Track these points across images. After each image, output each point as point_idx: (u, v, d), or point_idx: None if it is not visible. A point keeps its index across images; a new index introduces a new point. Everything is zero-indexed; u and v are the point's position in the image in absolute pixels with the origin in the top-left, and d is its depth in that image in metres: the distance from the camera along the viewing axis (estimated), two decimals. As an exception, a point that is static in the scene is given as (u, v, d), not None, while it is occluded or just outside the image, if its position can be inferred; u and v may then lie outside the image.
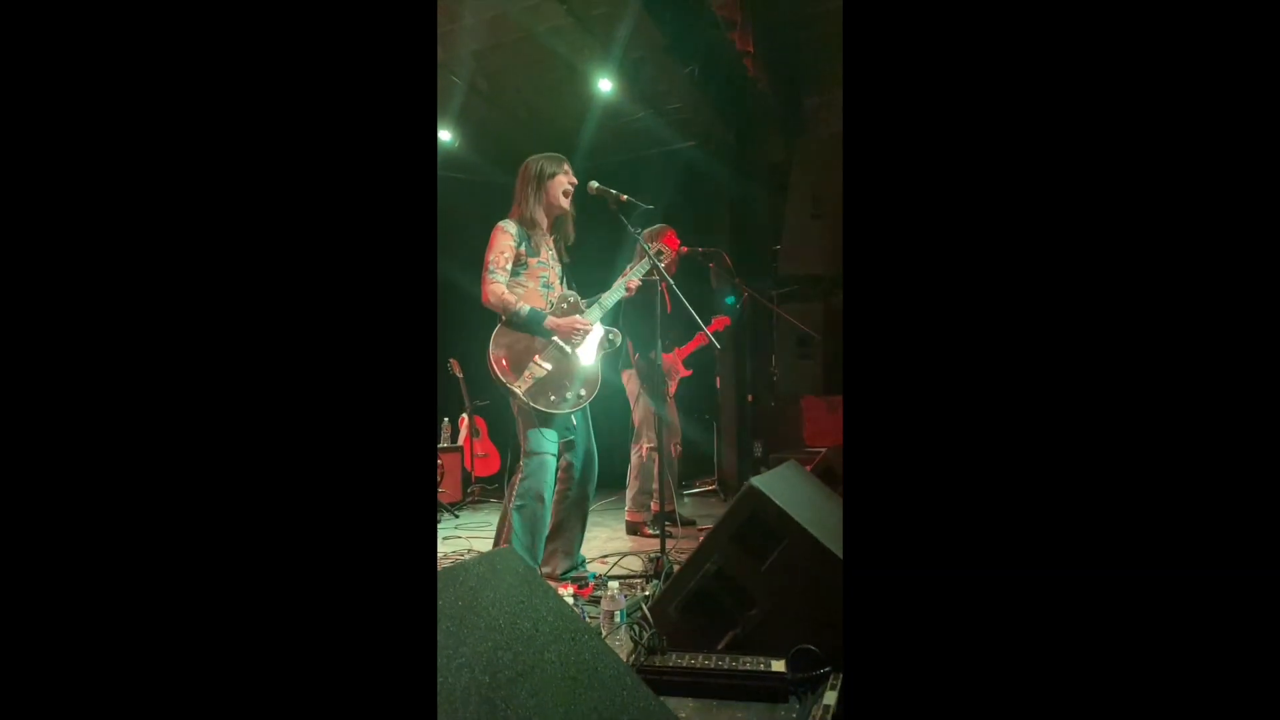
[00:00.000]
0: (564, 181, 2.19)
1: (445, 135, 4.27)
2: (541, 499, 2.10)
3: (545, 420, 2.11)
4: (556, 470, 2.19)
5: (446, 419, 4.41)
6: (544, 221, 2.19)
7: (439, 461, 3.85)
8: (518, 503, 2.10)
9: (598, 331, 2.22)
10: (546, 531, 2.18)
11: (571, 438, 2.21)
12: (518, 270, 2.14)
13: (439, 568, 0.71)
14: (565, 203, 2.19)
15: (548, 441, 2.12)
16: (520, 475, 2.12)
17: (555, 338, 2.12)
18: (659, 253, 2.33)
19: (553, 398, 2.09)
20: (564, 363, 2.13)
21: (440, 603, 0.59)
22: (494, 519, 2.55)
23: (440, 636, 0.56)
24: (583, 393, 2.14)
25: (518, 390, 2.04)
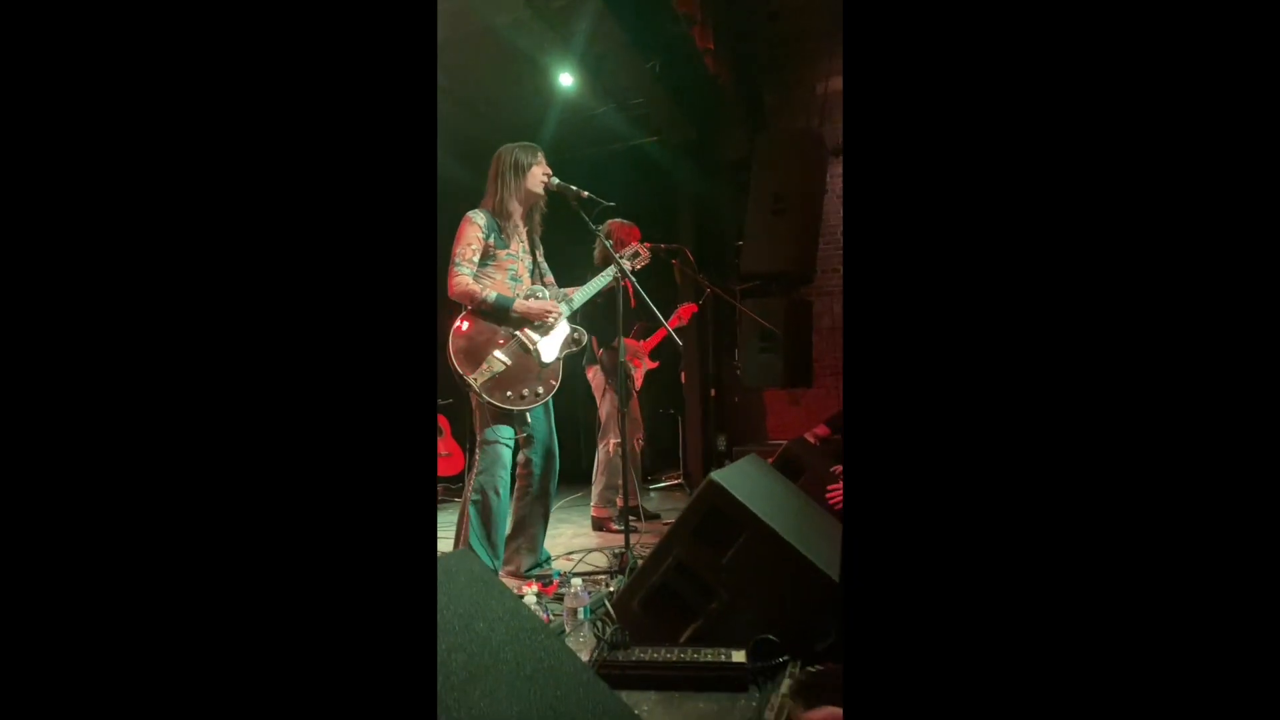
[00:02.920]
0: (539, 173, 2.17)
1: (403, 128, 4.18)
2: (497, 492, 2.09)
3: (501, 415, 2.10)
4: (514, 465, 2.18)
5: (408, 418, 4.34)
6: (518, 212, 2.17)
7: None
8: (473, 496, 2.09)
9: (563, 329, 2.21)
10: (505, 525, 2.17)
11: (529, 433, 2.20)
12: (485, 262, 2.12)
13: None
14: (541, 191, 2.18)
15: (503, 436, 2.11)
16: (476, 469, 2.11)
17: (525, 327, 2.10)
18: (635, 254, 2.33)
19: (509, 394, 2.07)
20: (523, 359, 2.11)
21: (391, 607, 0.59)
22: (456, 518, 2.53)
23: (391, 641, 0.56)
24: (540, 390, 2.13)
25: (472, 383, 2.02)
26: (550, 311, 2.13)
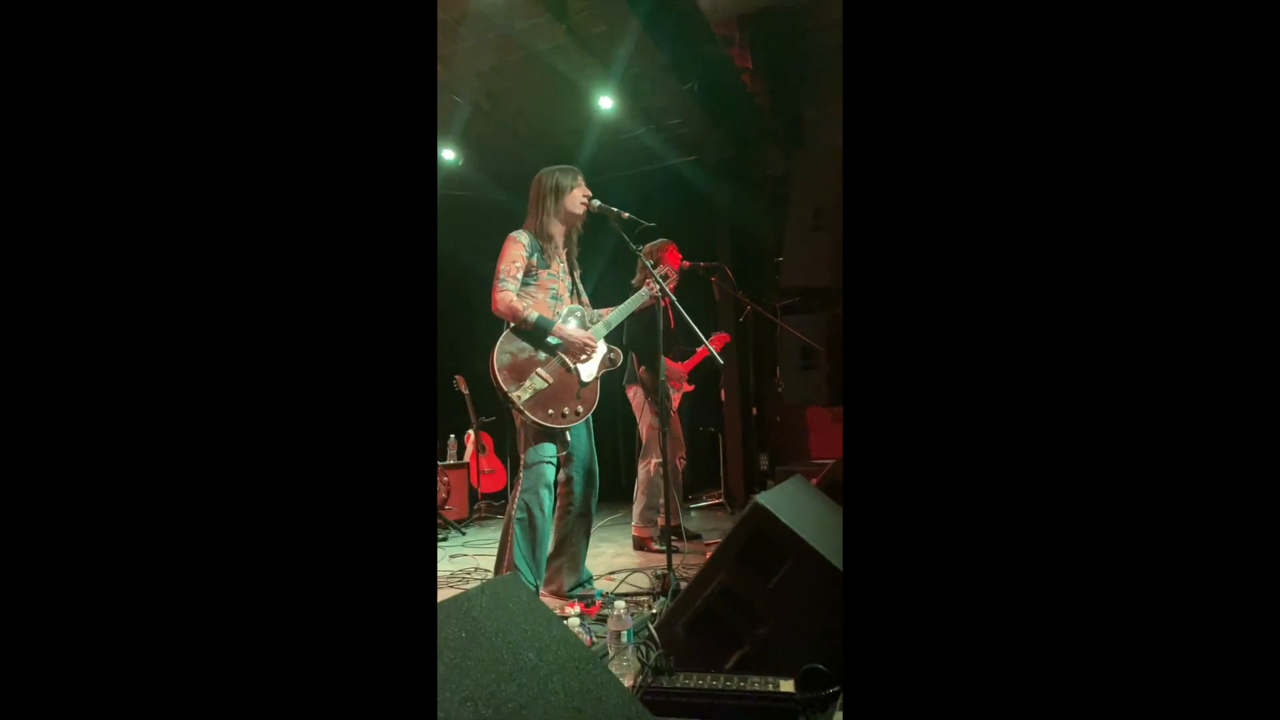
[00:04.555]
0: (579, 195, 2.21)
1: (449, 154, 4.32)
2: (542, 509, 2.11)
3: (544, 433, 2.12)
4: (556, 483, 2.19)
5: (453, 435, 4.42)
6: (559, 234, 2.21)
7: (445, 479, 3.85)
8: (518, 514, 2.11)
9: (600, 350, 2.23)
10: (548, 542, 2.18)
11: (570, 451, 2.22)
12: (528, 281, 2.16)
13: (444, 590, 0.71)
14: (581, 212, 2.22)
15: (546, 454, 2.13)
16: (520, 487, 2.13)
17: (560, 353, 2.14)
18: (665, 275, 2.35)
19: (550, 411, 2.10)
20: (564, 377, 2.14)
21: (442, 635, 0.59)
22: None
23: (442, 670, 0.56)
24: (580, 409, 2.16)
25: (516, 400, 2.06)
26: (588, 346, 2.15)
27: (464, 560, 3.03)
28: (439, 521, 3.72)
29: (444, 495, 3.83)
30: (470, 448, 4.32)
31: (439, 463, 3.86)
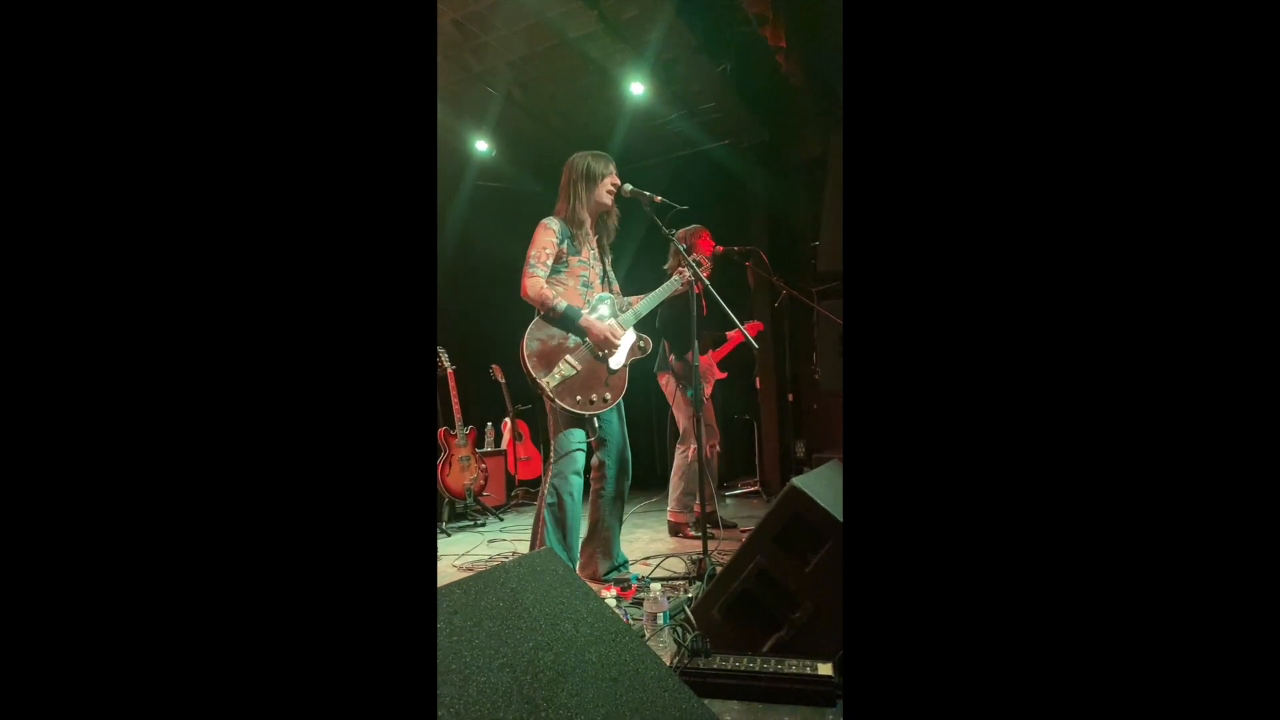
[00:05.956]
0: (609, 182, 2.20)
1: (482, 145, 4.36)
2: (571, 495, 2.13)
3: (574, 419, 2.14)
4: (589, 468, 2.21)
5: (490, 423, 4.50)
6: (588, 220, 2.21)
7: (483, 465, 3.92)
8: (549, 499, 2.13)
9: (629, 337, 2.23)
10: (580, 528, 2.20)
11: (602, 436, 2.23)
12: (558, 268, 2.17)
13: (482, 570, 0.72)
14: (609, 202, 2.21)
15: (576, 439, 2.14)
16: (550, 473, 2.15)
17: (586, 340, 2.14)
18: (698, 261, 2.33)
19: (579, 398, 2.11)
20: (593, 364, 2.15)
21: (482, 603, 0.60)
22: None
23: (482, 637, 0.57)
24: (609, 396, 2.16)
25: (545, 386, 2.07)
26: (611, 341, 2.14)
27: (502, 545, 3.08)
28: (478, 507, 3.79)
29: (482, 482, 3.90)
30: (507, 435, 4.39)
31: (477, 450, 3.93)
